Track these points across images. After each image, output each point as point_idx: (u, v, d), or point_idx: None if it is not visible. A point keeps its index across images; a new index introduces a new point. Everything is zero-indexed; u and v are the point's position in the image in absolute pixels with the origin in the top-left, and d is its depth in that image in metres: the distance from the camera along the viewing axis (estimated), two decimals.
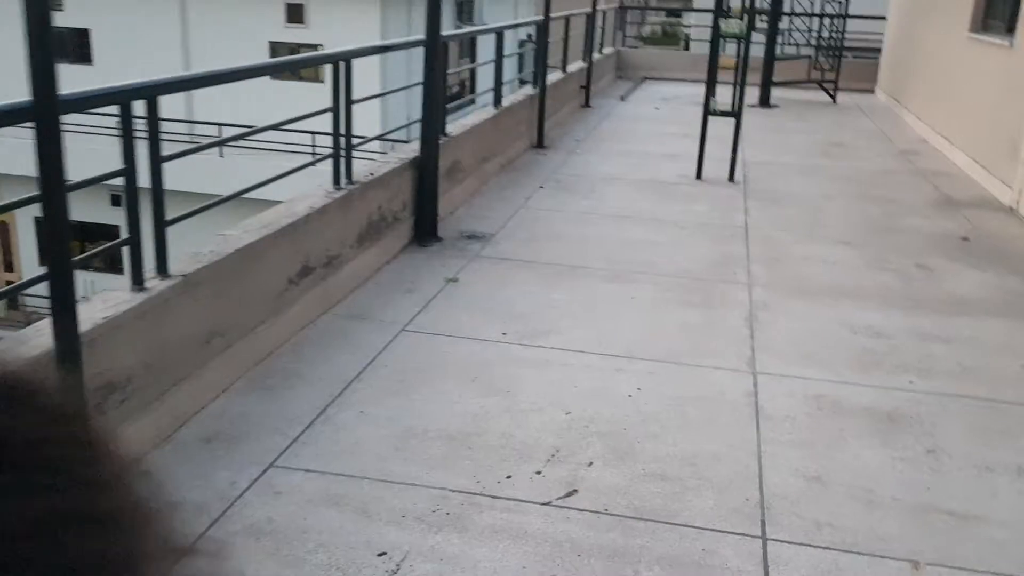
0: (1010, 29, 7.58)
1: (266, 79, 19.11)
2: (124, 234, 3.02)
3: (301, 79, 19.31)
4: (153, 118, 2.90)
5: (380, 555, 2.56)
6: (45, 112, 2.25)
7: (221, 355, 3.44)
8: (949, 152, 8.89)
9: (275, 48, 19.85)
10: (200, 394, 3.31)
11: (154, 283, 3.09)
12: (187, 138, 14.38)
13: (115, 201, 18.11)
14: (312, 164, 4.58)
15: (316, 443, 3.17)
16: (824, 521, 2.81)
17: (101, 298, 2.92)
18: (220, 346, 3.44)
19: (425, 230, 5.47)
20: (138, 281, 3.03)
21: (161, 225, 3.05)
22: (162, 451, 3.03)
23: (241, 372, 3.57)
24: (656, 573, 2.54)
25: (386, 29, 19.40)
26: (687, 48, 27.69)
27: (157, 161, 2.96)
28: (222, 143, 4.21)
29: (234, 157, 13.20)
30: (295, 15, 19.58)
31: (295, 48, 19.63)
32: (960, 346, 4.24)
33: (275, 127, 4.15)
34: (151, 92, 2.89)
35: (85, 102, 2.63)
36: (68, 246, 2.42)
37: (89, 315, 2.73)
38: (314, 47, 19.54)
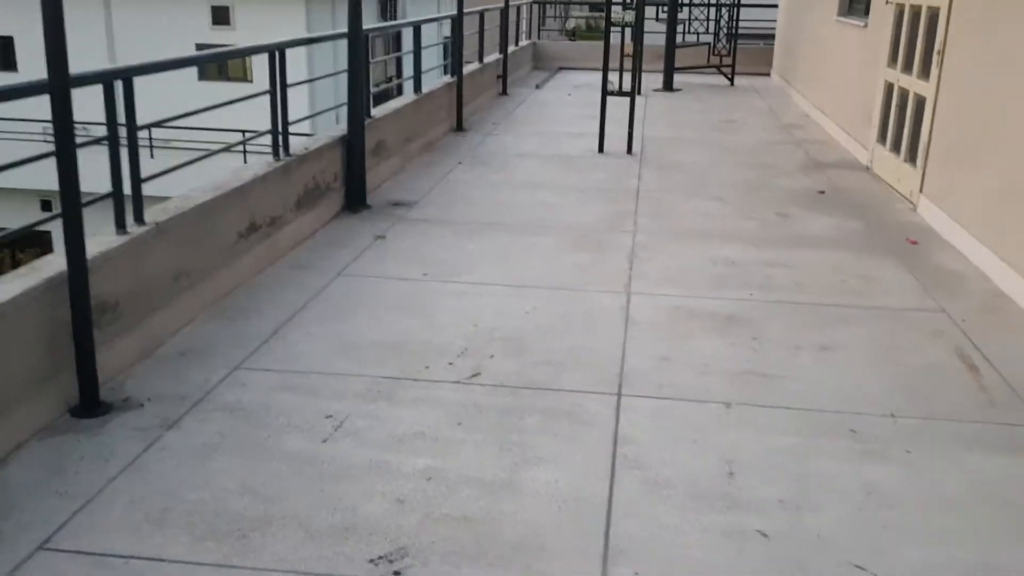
0: (867, 11, 8.66)
1: (193, 80, 19.58)
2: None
3: (229, 79, 19.84)
4: (130, 97, 3.65)
5: (327, 417, 3.37)
6: (58, 88, 3.03)
7: (188, 291, 4.19)
8: (824, 124, 9.98)
9: (201, 50, 20.31)
10: (173, 321, 4.06)
11: (133, 229, 3.84)
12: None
13: (45, 206, 18.41)
14: (254, 137, 5.31)
15: (272, 353, 3.95)
16: (666, 383, 3.71)
17: (93, 239, 3.65)
18: (186, 284, 4.19)
19: (355, 199, 6.25)
20: (121, 225, 3.78)
21: (138, 181, 3.80)
22: (146, 362, 3.79)
23: (205, 307, 4.33)
24: (537, 419, 3.39)
25: (312, 29, 20.02)
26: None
27: (133, 130, 3.72)
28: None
29: (167, 157, 13.73)
30: (221, 17, 20.05)
31: None
32: (796, 270, 5.20)
33: (216, 106, 4.85)
34: (130, 73, 3.65)
35: (81, 80, 3.36)
36: (78, 189, 3.17)
37: (88, 249, 3.47)
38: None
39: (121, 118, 3.61)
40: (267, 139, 5.33)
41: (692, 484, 2.94)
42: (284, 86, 5.14)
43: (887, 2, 7.52)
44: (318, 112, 7.20)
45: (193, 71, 20.18)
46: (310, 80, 7.06)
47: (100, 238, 3.70)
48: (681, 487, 2.92)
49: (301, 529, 2.68)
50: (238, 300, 4.54)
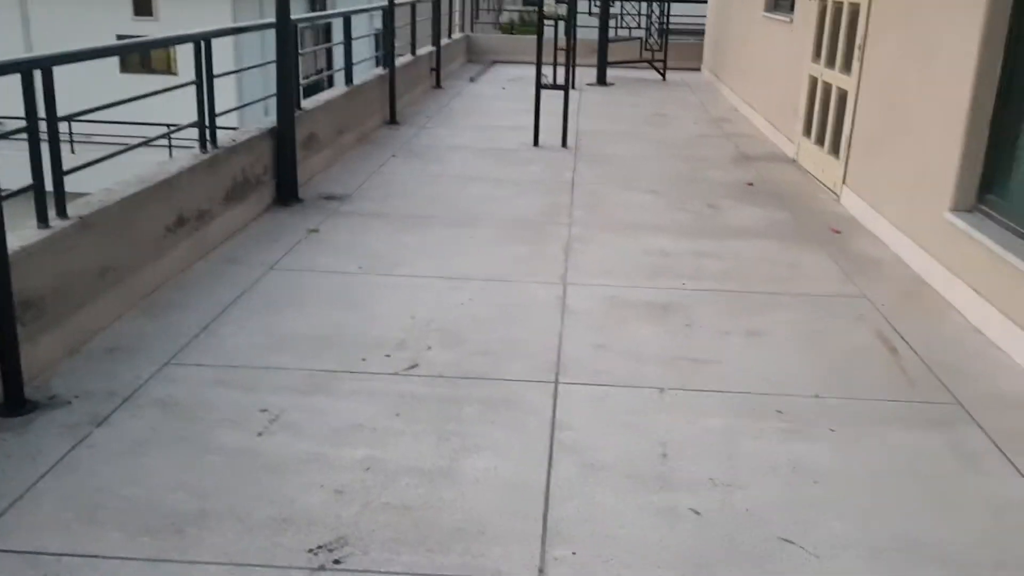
0: (792, 7, 8.87)
1: (115, 73, 19.10)
2: None
3: (152, 72, 19.38)
4: (49, 87, 3.56)
5: (262, 411, 3.34)
6: None
7: (114, 287, 4.11)
8: (753, 117, 10.20)
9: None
10: (100, 317, 3.97)
11: (56, 223, 3.75)
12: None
13: None
14: (179, 129, 5.21)
15: (203, 348, 3.90)
16: (602, 370, 3.77)
17: (14, 234, 3.55)
18: (113, 279, 4.10)
19: (286, 192, 6.18)
20: (43, 219, 3.68)
21: (60, 174, 3.71)
22: (73, 359, 3.70)
23: (132, 303, 4.25)
24: (475, 408, 3.42)
25: (237, 17, 19.67)
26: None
27: (54, 121, 3.62)
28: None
29: (89, 152, 13.33)
30: (143, 7, 19.55)
31: None
32: (726, 259, 5.32)
33: (140, 97, 4.75)
34: (48, 63, 3.55)
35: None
36: None
37: (9, 243, 3.37)
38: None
39: (41, 111, 3.52)
40: (195, 133, 5.24)
41: (627, 466, 3.00)
42: (211, 77, 5.06)
43: None
44: (246, 103, 7.10)
45: (115, 63, 19.68)
46: (238, 71, 6.95)
47: (21, 232, 3.60)
48: (617, 469, 2.98)
49: (238, 522, 2.66)
50: (167, 295, 4.46)
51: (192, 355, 3.81)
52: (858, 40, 6.41)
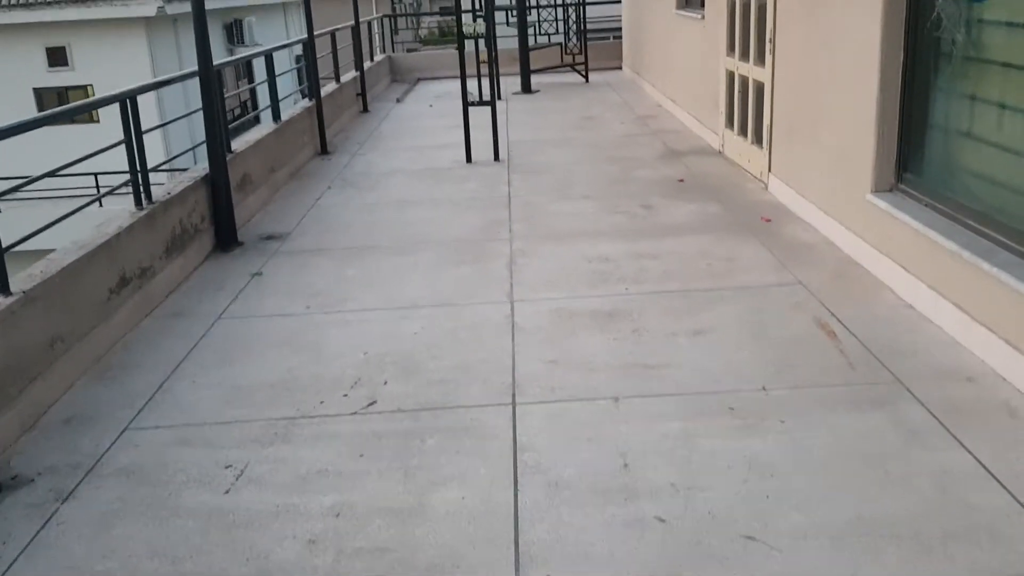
0: (702, 4, 9.09)
1: None
2: None
3: (73, 121, 19.00)
4: None
5: (227, 467, 3.36)
6: None
7: (65, 356, 4.09)
8: (676, 113, 10.42)
9: (41, 95, 19.37)
10: (53, 388, 3.95)
11: (0, 300, 3.72)
12: None
13: None
14: (112, 191, 5.19)
15: (160, 409, 3.90)
16: (557, 386, 3.86)
17: None
18: (62, 349, 4.08)
19: (226, 237, 6.17)
20: None
21: (0, 252, 3.68)
22: (31, 435, 3.68)
23: (85, 369, 4.23)
24: (437, 439, 3.48)
25: (156, 58, 19.38)
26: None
27: None
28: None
29: (12, 210, 12.98)
30: (58, 58, 19.15)
31: (63, 92, 19.26)
32: (666, 259, 5.46)
33: (69, 164, 4.75)
34: None
35: None
36: None
37: None
38: (84, 88, 19.27)
39: None
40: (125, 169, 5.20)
41: (591, 481, 3.09)
42: (139, 134, 5.04)
43: None
44: (176, 155, 7.07)
45: (34, 113, 19.25)
46: (164, 124, 6.92)
47: None
48: (581, 485, 3.07)
49: None
50: (118, 357, 4.44)
51: (150, 417, 3.81)
52: (768, 34, 6.63)
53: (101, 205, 15.89)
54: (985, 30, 4.07)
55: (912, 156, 4.72)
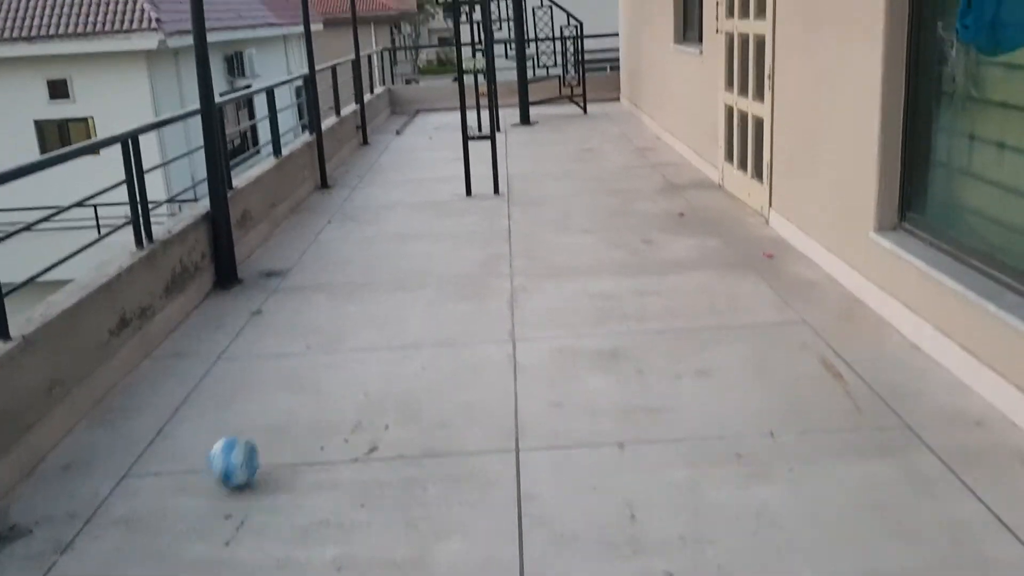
0: (700, 39, 9.14)
1: (34, 155, 18.76)
2: None
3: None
4: None
5: (227, 517, 3.31)
6: None
7: (63, 400, 4.04)
8: (675, 145, 10.44)
9: (42, 127, 19.44)
10: (52, 434, 3.90)
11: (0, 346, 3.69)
12: None
13: None
14: (113, 232, 5.17)
15: (159, 454, 3.85)
16: (561, 430, 3.82)
17: None
18: (61, 393, 4.04)
19: (226, 275, 6.15)
20: None
21: (0, 296, 3.66)
22: (28, 482, 3.63)
23: (83, 413, 4.18)
24: (440, 488, 3.43)
25: (156, 91, 19.48)
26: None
27: None
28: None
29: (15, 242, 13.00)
30: (59, 91, 19.23)
31: (63, 124, 19.32)
32: (668, 296, 5.43)
33: (75, 205, 4.74)
34: None
35: None
36: None
37: None
38: (84, 121, 19.35)
39: None
40: (120, 209, 5.20)
41: (598, 533, 3.04)
42: (140, 174, 5.03)
43: (717, 31, 7.97)
44: (178, 193, 7.06)
45: (34, 145, 19.32)
46: (165, 163, 6.91)
47: None
48: (588, 538, 3.02)
49: None
50: (117, 400, 4.40)
51: (149, 463, 3.76)
52: (767, 70, 6.64)
53: (99, 233, 15.91)
54: (990, 69, 4.07)
55: (915, 194, 4.71)
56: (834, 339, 4.58)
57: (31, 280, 4.04)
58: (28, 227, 4.14)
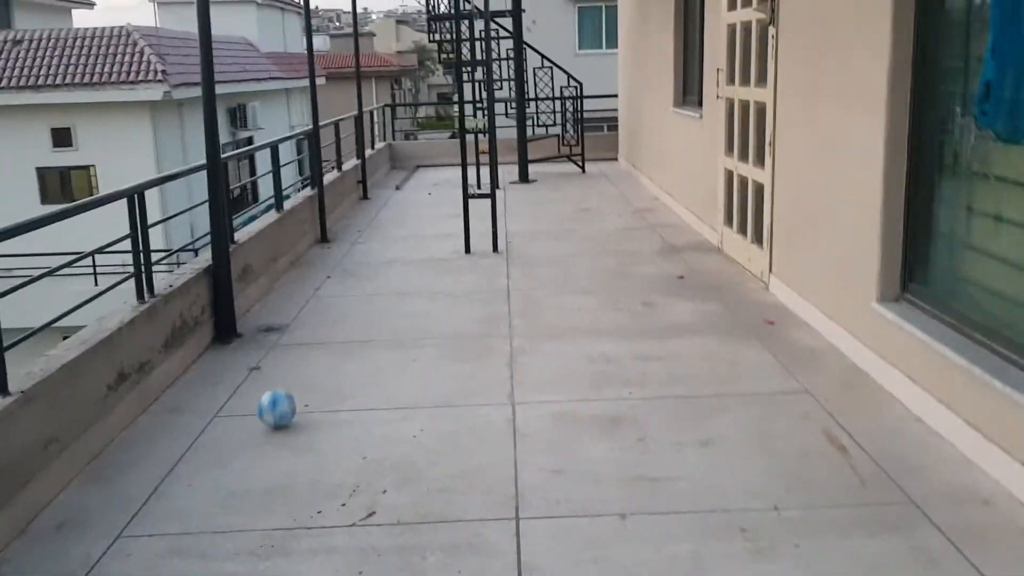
0: (700, 103, 9.27)
1: (35, 203, 18.86)
2: None
3: (74, 199, 19.14)
4: None
5: None
6: None
7: (59, 457, 3.99)
8: (674, 207, 10.52)
9: (43, 174, 19.55)
10: (46, 491, 3.85)
11: None
12: None
13: None
14: (116, 286, 5.16)
15: (154, 514, 3.79)
16: (562, 499, 3.77)
17: None
18: (57, 449, 3.99)
19: (225, 329, 6.12)
20: None
21: (0, 351, 3.63)
22: (20, 540, 3.56)
23: (78, 470, 4.12)
24: (438, 557, 3.38)
25: (159, 141, 19.65)
26: (457, 131, 29.56)
27: None
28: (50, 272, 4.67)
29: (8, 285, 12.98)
30: (62, 139, 19.39)
31: (65, 172, 19.44)
32: (669, 361, 5.42)
33: (77, 259, 4.74)
34: None
35: None
36: None
37: None
38: (85, 169, 19.47)
39: None
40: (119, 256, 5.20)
41: None
42: (145, 229, 5.04)
43: (718, 96, 8.09)
44: (181, 248, 7.08)
45: (35, 192, 19.41)
46: (169, 218, 6.95)
47: None
48: None
49: None
50: (113, 457, 4.34)
51: (144, 524, 3.70)
52: (767, 137, 6.73)
53: (96, 283, 15.89)
54: (995, 144, 4.12)
55: (918, 265, 4.73)
56: (837, 410, 4.56)
57: (32, 334, 4.01)
58: (31, 281, 4.12)
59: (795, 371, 5.14)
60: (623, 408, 4.73)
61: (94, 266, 14.61)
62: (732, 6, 7.63)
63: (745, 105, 7.40)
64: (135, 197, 4.97)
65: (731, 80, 7.74)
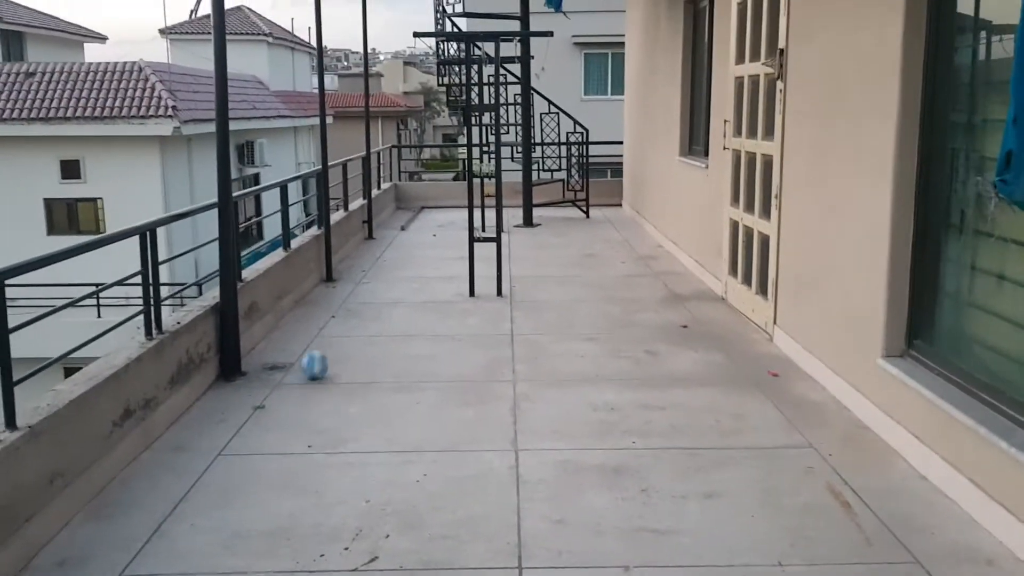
0: (706, 153, 9.38)
1: (42, 235, 18.97)
2: None
3: (80, 231, 19.27)
4: (1, 301, 3.55)
5: None
6: None
7: (62, 492, 3.99)
8: (678, 255, 10.58)
9: (51, 205, 19.67)
10: (48, 527, 3.84)
11: (5, 435, 3.66)
12: None
13: None
14: (126, 322, 5.19)
15: (156, 554, 3.77)
16: (564, 550, 3.76)
17: None
18: (61, 485, 3.99)
19: (230, 367, 6.14)
20: None
21: (10, 386, 3.65)
22: None
23: (81, 506, 4.12)
24: None
25: (167, 176, 19.80)
26: (462, 171, 29.79)
27: (4, 333, 3.59)
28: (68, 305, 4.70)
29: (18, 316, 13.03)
30: (71, 171, 19.56)
31: (72, 204, 19.57)
32: (672, 411, 5.43)
33: (84, 297, 4.77)
34: (1, 277, 3.55)
35: None
36: None
37: None
38: (93, 201, 19.60)
39: None
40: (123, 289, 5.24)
41: None
42: (155, 266, 5.08)
43: (724, 148, 8.18)
44: (189, 284, 7.11)
45: (42, 223, 19.51)
46: (178, 255, 7.00)
47: None
48: None
49: None
50: (115, 494, 4.33)
51: (145, 563, 3.69)
52: (774, 190, 6.80)
53: (100, 315, 15.91)
54: (1000, 206, 4.17)
55: (923, 323, 4.76)
56: (841, 465, 4.56)
57: (42, 369, 4.03)
58: (40, 318, 4.14)
59: (799, 425, 5.15)
60: (626, 458, 4.73)
61: (98, 299, 14.67)
62: (740, 59, 7.76)
63: (752, 157, 7.48)
64: (147, 234, 5.02)
65: (738, 132, 7.84)
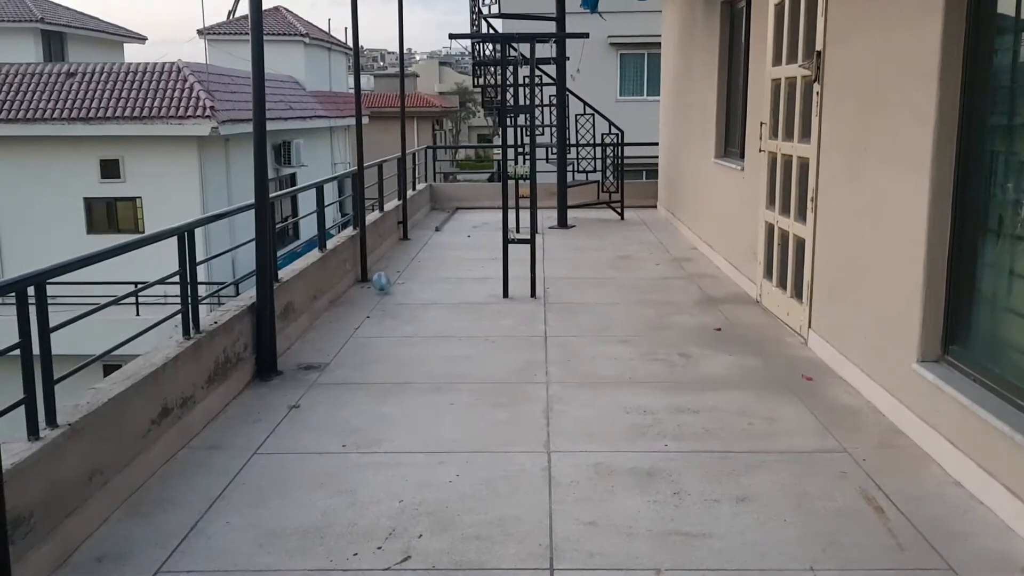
0: (742, 155, 9.32)
1: (82, 234, 19.34)
2: None
3: (119, 231, 19.61)
4: (43, 299, 3.64)
5: None
6: None
7: (102, 489, 4.08)
8: (713, 257, 10.53)
9: (90, 204, 20.04)
10: (88, 523, 3.93)
11: (46, 432, 3.75)
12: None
13: None
14: (166, 320, 5.29)
15: (192, 552, 3.84)
16: (596, 552, 3.77)
17: (5, 448, 3.54)
18: (100, 482, 4.07)
19: (266, 366, 6.22)
20: (33, 432, 3.68)
21: (51, 384, 3.74)
22: (61, 572, 3.63)
23: (119, 503, 4.21)
24: None
25: (205, 175, 20.07)
26: (496, 172, 29.88)
27: (46, 333, 3.68)
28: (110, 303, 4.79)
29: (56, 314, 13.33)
30: (111, 170, 19.90)
31: (111, 203, 19.91)
32: (705, 415, 5.41)
33: (124, 297, 4.86)
34: (40, 279, 3.64)
35: None
36: None
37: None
38: (132, 200, 19.93)
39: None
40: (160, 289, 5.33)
41: None
42: (194, 266, 5.17)
43: (760, 150, 8.13)
44: (227, 283, 7.22)
45: (82, 223, 19.87)
46: (216, 256, 7.10)
47: (12, 446, 3.60)
48: None
49: None
50: (153, 491, 4.42)
51: (182, 561, 3.76)
52: (810, 192, 6.74)
53: (138, 313, 16.18)
54: None
55: (959, 327, 4.71)
56: (875, 470, 4.52)
57: (83, 367, 4.12)
58: (80, 317, 4.24)
59: (833, 429, 5.11)
60: (658, 461, 4.72)
61: (136, 296, 14.95)
62: (777, 61, 7.70)
63: (788, 159, 7.43)
64: (186, 235, 5.11)
65: (774, 134, 7.79)
